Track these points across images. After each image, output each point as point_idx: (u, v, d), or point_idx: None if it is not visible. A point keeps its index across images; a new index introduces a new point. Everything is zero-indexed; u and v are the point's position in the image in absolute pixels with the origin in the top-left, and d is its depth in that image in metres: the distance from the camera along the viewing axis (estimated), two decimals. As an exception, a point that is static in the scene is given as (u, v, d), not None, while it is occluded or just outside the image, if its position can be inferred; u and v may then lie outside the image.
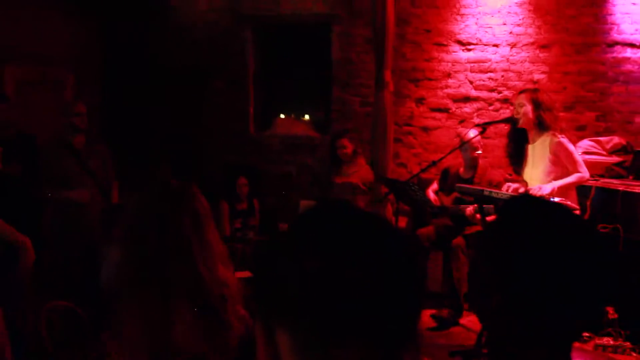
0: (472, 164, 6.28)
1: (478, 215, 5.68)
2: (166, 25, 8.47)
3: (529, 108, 5.20)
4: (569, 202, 4.91)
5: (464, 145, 6.10)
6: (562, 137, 5.15)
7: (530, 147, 5.33)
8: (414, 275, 0.99)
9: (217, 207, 7.48)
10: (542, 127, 5.21)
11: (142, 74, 8.41)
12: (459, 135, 6.64)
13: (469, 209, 5.95)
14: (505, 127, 7.15)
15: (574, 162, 5.14)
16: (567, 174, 5.14)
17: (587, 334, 5.39)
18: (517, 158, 5.48)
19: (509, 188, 5.25)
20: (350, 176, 6.83)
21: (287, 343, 0.97)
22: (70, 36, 7.82)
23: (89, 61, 8.11)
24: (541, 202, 1.48)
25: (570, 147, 5.17)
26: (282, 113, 8.71)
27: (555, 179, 5.13)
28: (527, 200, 1.45)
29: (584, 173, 5.14)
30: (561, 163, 5.14)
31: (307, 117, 8.72)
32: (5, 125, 5.05)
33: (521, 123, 5.26)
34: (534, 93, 5.31)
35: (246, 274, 4.55)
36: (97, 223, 5.46)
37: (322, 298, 0.93)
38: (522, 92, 5.43)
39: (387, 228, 1.02)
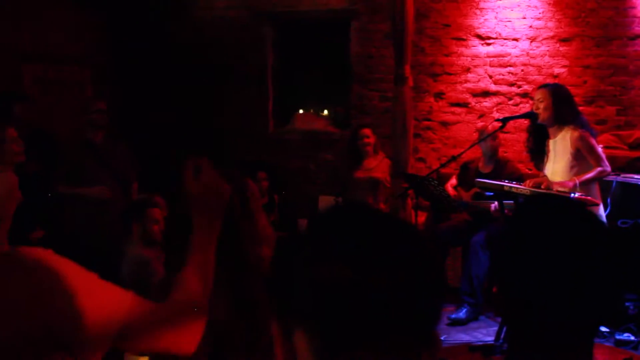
0: (492, 157, 6.25)
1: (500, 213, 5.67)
2: (185, 23, 8.51)
3: (549, 103, 5.17)
4: (589, 197, 4.89)
5: (483, 136, 6.08)
6: (582, 130, 5.12)
7: (551, 142, 5.30)
8: (434, 278, 1.00)
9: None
10: (562, 121, 5.18)
11: (162, 71, 8.46)
12: (478, 130, 6.62)
13: (494, 205, 5.93)
14: (525, 122, 7.14)
15: (595, 156, 5.12)
16: (589, 168, 5.11)
17: (607, 330, 5.37)
18: (537, 153, 5.46)
19: (531, 183, 5.23)
20: (372, 170, 6.81)
21: (304, 344, 0.97)
22: (89, 34, 7.89)
23: (108, 59, 8.17)
24: (559, 199, 1.48)
25: (592, 140, 5.14)
26: (301, 109, 8.72)
27: (577, 173, 5.11)
28: (546, 198, 1.46)
29: (605, 167, 5.11)
30: (583, 157, 5.12)
31: (325, 112, 8.72)
32: (24, 124, 5.10)
33: (541, 118, 5.24)
34: (554, 88, 5.28)
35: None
36: (116, 220, 5.51)
37: (339, 302, 0.93)
38: (542, 86, 5.40)
39: (406, 230, 1.02)
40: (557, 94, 5.19)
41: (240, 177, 2.32)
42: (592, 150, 5.11)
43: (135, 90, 8.41)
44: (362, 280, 0.93)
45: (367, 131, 6.88)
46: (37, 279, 1.46)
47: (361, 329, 0.93)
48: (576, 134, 5.11)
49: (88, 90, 7.85)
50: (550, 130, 5.28)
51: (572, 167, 5.16)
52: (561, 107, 5.16)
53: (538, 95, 5.26)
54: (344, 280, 0.93)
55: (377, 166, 6.82)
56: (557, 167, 5.26)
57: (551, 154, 5.31)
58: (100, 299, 1.54)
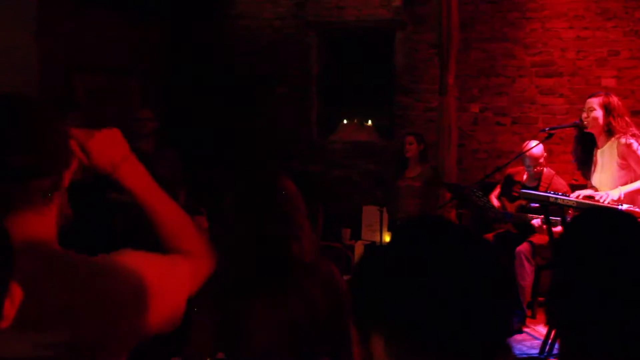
0: (535, 176, 6.19)
1: (544, 226, 5.62)
2: (232, 32, 8.62)
3: (599, 113, 5.11)
4: (637, 209, 4.82)
5: (525, 159, 6.03)
6: (631, 140, 5.05)
7: (599, 151, 5.24)
8: (507, 289, 1.04)
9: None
10: (611, 132, 5.12)
11: (208, 80, 8.57)
12: (523, 140, 6.57)
13: (536, 221, 5.87)
14: (571, 132, 7.06)
15: None
16: (636, 178, 5.04)
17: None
18: (584, 162, 5.39)
19: (579, 196, 5.16)
20: (414, 180, 6.81)
21: (381, 349, 1.01)
22: (137, 44, 8.03)
23: (156, 68, 8.31)
24: (608, 212, 1.49)
25: None
26: (346, 118, 8.75)
27: (625, 183, 5.04)
28: (595, 212, 1.47)
29: None
30: (630, 167, 5.05)
31: (369, 122, 8.74)
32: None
33: (590, 127, 5.17)
34: (605, 97, 5.21)
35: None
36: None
37: (420, 310, 0.97)
38: (593, 95, 5.32)
39: (481, 243, 1.07)
40: (608, 103, 5.13)
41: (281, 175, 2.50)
42: (639, 160, 5.04)
43: (184, 99, 8.53)
44: (443, 289, 0.97)
45: (410, 138, 6.88)
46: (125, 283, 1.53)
47: (439, 336, 0.97)
48: (623, 142, 5.05)
49: (137, 99, 7.99)
50: (599, 140, 5.22)
51: (619, 178, 5.10)
52: (611, 116, 5.10)
53: (588, 104, 5.19)
54: (426, 288, 0.98)
55: (420, 175, 6.80)
56: (603, 177, 5.19)
57: (599, 164, 5.25)
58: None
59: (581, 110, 5.31)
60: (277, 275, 2.29)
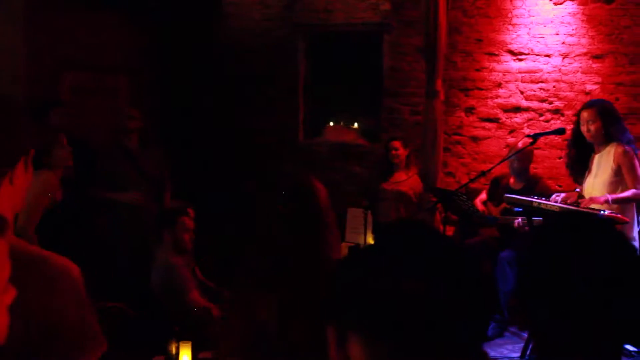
0: (522, 174, 6.23)
1: (527, 228, 5.66)
2: (221, 33, 8.63)
3: (599, 122, 5.16)
4: (619, 215, 4.87)
5: (513, 151, 6.07)
6: (628, 147, 5.12)
7: (596, 156, 5.29)
8: (484, 294, 1.06)
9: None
10: (610, 138, 5.17)
11: (196, 80, 8.57)
12: (508, 146, 6.62)
13: (517, 221, 5.92)
14: (555, 138, 7.12)
15: (633, 176, 5.09)
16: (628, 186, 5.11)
17: (635, 350, 5.32)
18: (578, 166, 5.43)
19: (558, 198, 5.22)
20: (399, 184, 6.83)
21: (359, 350, 1.03)
22: (126, 43, 8.02)
23: (145, 67, 8.29)
24: (588, 215, 1.51)
25: (635, 160, 5.12)
26: (332, 121, 8.77)
27: (615, 190, 5.10)
28: (574, 215, 1.49)
29: (639, 190, 5.09)
30: (623, 174, 5.11)
31: (356, 125, 8.77)
32: (59, 130, 5.24)
33: (592, 137, 5.22)
34: (601, 106, 5.24)
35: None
36: (150, 226, 5.59)
37: (399, 313, 0.99)
38: (589, 106, 5.32)
39: (457, 247, 1.09)
40: (606, 112, 5.18)
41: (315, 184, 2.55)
42: (632, 170, 5.09)
43: (173, 98, 8.53)
44: (420, 292, 0.99)
45: (396, 144, 6.88)
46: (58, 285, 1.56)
47: (416, 339, 0.99)
48: (620, 149, 5.11)
49: (124, 96, 7.98)
50: (597, 146, 5.27)
51: (611, 183, 5.15)
52: (611, 124, 5.15)
53: (587, 115, 5.22)
54: (404, 292, 0.99)
55: (406, 180, 6.82)
56: (597, 181, 5.25)
57: (594, 169, 5.30)
58: None
59: (566, 117, 5.36)
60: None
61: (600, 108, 5.21)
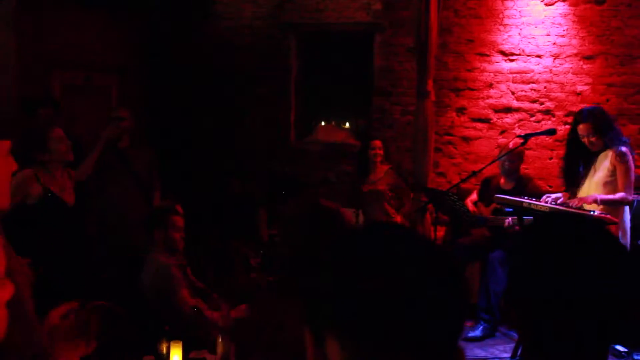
0: (513, 174, 6.23)
1: (517, 227, 5.67)
2: (211, 32, 8.61)
3: (596, 135, 5.21)
4: (608, 216, 4.89)
5: (504, 155, 6.08)
6: (625, 149, 5.16)
7: (597, 159, 5.32)
8: (459, 291, 1.05)
9: (255, 213, 7.58)
10: (607, 145, 5.22)
11: (187, 79, 8.55)
12: (499, 146, 6.63)
13: (508, 221, 5.93)
14: (546, 139, 7.14)
15: (624, 179, 5.13)
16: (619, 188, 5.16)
17: (624, 350, 5.34)
18: (575, 168, 5.44)
19: (548, 199, 5.24)
20: (376, 184, 6.80)
21: (336, 351, 1.02)
22: (115, 41, 7.99)
23: (135, 67, 8.27)
24: (576, 216, 1.52)
25: (630, 164, 5.16)
26: (323, 120, 8.77)
27: (611, 189, 5.13)
28: (562, 215, 1.49)
29: (628, 195, 5.14)
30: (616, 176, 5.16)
31: (347, 125, 8.77)
32: (54, 125, 5.22)
33: (593, 149, 5.27)
34: (593, 119, 5.26)
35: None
36: (138, 225, 5.56)
37: (374, 313, 0.99)
38: (581, 122, 5.33)
39: (434, 248, 1.08)
40: (599, 123, 5.22)
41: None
42: (626, 174, 5.14)
43: (163, 97, 8.51)
44: (395, 293, 0.99)
45: (377, 142, 6.85)
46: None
47: (392, 339, 0.98)
48: (618, 151, 5.15)
49: (114, 95, 7.96)
50: (598, 152, 5.31)
51: (605, 183, 5.19)
52: (607, 133, 5.21)
53: (582, 131, 5.27)
54: (379, 293, 0.99)
55: (382, 178, 6.78)
56: (593, 182, 5.28)
57: (591, 169, 5.33)
58: None
59: (557, 117, 5.39)
60: None
61: (594, 120, 5.24)
